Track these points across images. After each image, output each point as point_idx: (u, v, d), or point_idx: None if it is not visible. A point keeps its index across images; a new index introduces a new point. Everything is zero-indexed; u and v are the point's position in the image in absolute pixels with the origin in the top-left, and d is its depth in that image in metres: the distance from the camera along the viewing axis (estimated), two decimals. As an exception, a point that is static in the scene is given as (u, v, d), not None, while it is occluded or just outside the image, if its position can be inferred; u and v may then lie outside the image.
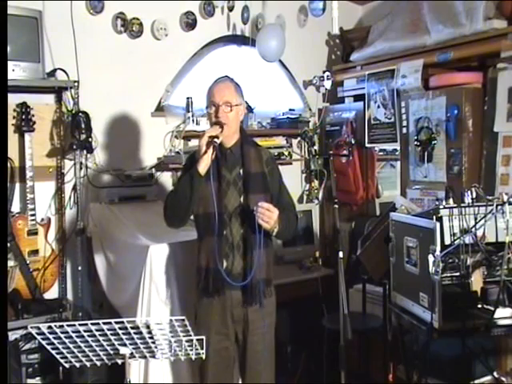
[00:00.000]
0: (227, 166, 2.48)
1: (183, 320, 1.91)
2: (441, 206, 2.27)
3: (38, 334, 1.88)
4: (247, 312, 2.46)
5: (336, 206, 2.75)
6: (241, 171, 2.49)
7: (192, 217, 2.54)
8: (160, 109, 3.68)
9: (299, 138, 4.29)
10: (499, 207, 2.25)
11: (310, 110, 4.40)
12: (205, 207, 2.42)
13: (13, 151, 3.08)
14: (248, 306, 2.44)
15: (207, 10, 3.84)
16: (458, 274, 2.24)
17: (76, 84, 3.20)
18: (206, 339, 2.17)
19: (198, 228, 2.52)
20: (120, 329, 1.89)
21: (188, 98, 3.63)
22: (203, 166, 2.36)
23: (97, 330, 1.88)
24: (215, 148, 2.34)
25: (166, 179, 3.67)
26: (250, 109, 3.92)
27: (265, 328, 2.47)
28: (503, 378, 2.89)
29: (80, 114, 3.18)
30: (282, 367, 3.53)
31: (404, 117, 3.56)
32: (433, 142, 3.33)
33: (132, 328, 1.90)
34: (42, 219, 3.16)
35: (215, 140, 2.34)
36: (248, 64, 4.07)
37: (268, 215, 2.33)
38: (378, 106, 3.82)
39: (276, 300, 2.61)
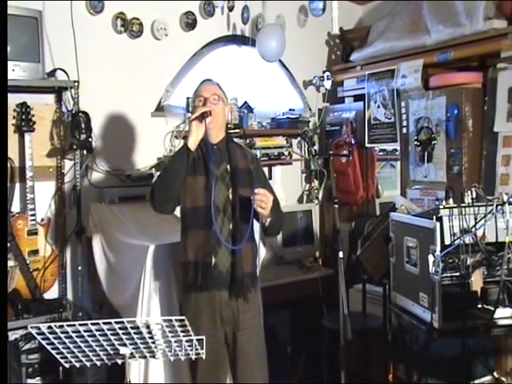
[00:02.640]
0: (214, 161, 2.48)
1: (183, 320, 1.91)
2: (441, 206, 2.27)
3: (37, 334, 1.88)
4: (236, 312, 2.46)
5: (336, 205, 2.75)
6: (228, 166, 2.51)
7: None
8: (160, 109, 3.68)
9: (299, 138, 4.30)
10: (499, 207, 2.25)
11: (310, 110, 4.39)
12: (192, 202, 2.43)
13: (13, 151, 3.08)
14: (237, 299, 2.44)
15: (207, 10, 3.84)
16: (458, 274, 2.24)
17: (76, 84, 3.20)
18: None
19: (184, 223, 2.51)
20: (120, 329, 1.89)
21: (188, 98, 3.61)
22: (192, 139, 2.40)
23: (97, 330, 1.88)
24: (205, 120, 2.38)
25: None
26: (249, 109, 3.93)
27: (254, 327, 2.48)
28: (503, 378, 2.89)
29: (80, 113, 3.18)
30: (282, 367, 3.54)
31: (404, 117, 3.56)
32: (433, 142, 3.33)
33: (132, 328, 1.90)
34: (42, 219, 3.15)
35: (205, 114, 2.39)
36: (248, 64, 4.07)
37: (265, 200, 2.35)
38: (378, 106, 3.82)
39: (275, 301, 2.64)
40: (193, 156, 2.44)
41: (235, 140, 2.76)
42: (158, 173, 2.62)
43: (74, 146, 3.17)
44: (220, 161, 2.51)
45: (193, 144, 2.41)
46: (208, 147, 2.49)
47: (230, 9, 3.96)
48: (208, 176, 2.45)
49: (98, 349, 1.96)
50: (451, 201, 2.30)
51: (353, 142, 3.99)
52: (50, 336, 1.88)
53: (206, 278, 2.42)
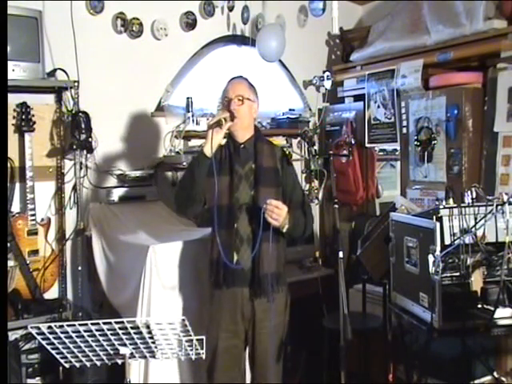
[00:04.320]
0: (240, 160, 2.51)
1: (183, 320, 1.91)
2: (441, 206, 2.27)
3: (37, 334, 1.88)
4: (257, 310, 2.47)
5: (336, 205, 2.75)
6: (253, 166, 2.52)
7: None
8: (160, 109, 3.68)
9: (299, 138, 4.29)
10: (499, 207, 2.25)
11: (310, 110, 4.40)
12: (217, 201, 2.44)
13: (13, 151, 3.08)
14: (256, 298, 2.45)
15: (207, 10, 3.85)
16: (458, 274, 2.24)
17: (76, 84, 3.20)
18: (216, 336, 2.29)
19: (211, 221, 2.52)
20: (120, 329, 1.89)
21: (188, 98, 3.63)
22: (208, 146, 2.40)
23: (97, 330, 1.88)
24: (221, 127, 2.38)
25: (166, 179, 3.67)
26: (250, 109, 3.92)
27: (274, 327, 2.48)
28: (503, 378, 2.89)
29: (80, 113, 3.18)
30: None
31: (404, 117, 3.56)
32: (433, 142, 3.33)
33: (132, 328, 1.90)
34: (42, 219, 3.15)
35: (221, 122, 2.39)
36: (248, 64, 4.07)
37: (277, 212, 2.35)
38: (378, 106, 3.82)
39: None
40: (220, 155, 2.46)
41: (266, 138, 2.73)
42: (179, 178, 2.64)
43: (74, 146, 3.17)
44: (246, 160, 2.52)
45: (209, 150, 2.40)
46: (235, 147, 2.51)
47: (230, 9, 3.96)
48: (233, 175, 2.47)
49: (97, 349, 1.96)
50: (451, 201, 2.30)
51: (353, 141, 3.99)
52: (50, 336, 1.89)
53: (227, 275, 2.44)
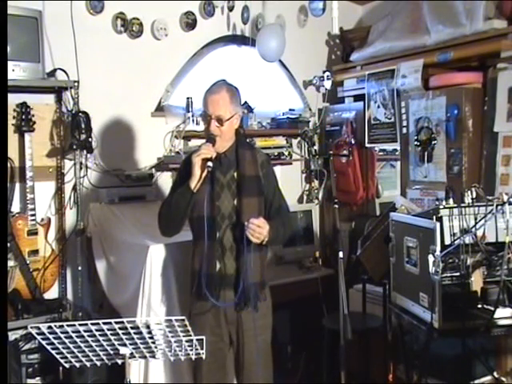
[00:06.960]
0: (221, 169, 2.48)
1: (183, 320, 1.91)
2: (441, 206, 2.27)
3: (37, 334, 1.88)
4: (241, 313, 2.46)
5: (336, 206, 2.75)
6: (235, 174, 2.49)
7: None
8: (160, 109, 3.68)
9: (299, 138, 4.30)
10: (499, 207, 2.25)
11: (310, 110, 4.39)
12: (199, 210, 2.43)
13: (13, 151, 3.08)
14: (241, 310, 2.45)
15: (207, 9, 3.85)
16: (458, 274, 2.24)
17: (76, 84, 3.20)
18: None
19: (192, 231, 2.52)
20: (120, 329, 1.89)
21: (188, 98, 3.63)
22: (195, 183, 2.38)
23: (97, 330, 1.88)
24: (208, 170, 2.36)
25: (166, 179, 3.67)
26: (249, 109, 3.93)
27: (259, 329, 2.47)
28: (503, 378, 2.89)
29: (80, 114, 3.18)
30: (282, 367, 3.54)
31: (404, 117, 3.56)
32: (433, 142, 3.33)
33: (132, 328, 1.90)
34: (42, 219, 3.15)
35: (208, 164, 2.35)
36: (248, 64, 4.07)
37: (259, 231, 2.35)
38: (378, 106, 3.82)
39: (275, 301, 2.62)
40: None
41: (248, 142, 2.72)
42: (165, 199, 2.63)
43: (74, 146, 3.17)
44: (227, 168, 2.49)
45: (196, 186, 2.38)
46: (216, 155, 2.45)
47: (230, 9, 3.96)
48: (214, 184, 2.44)
49: (97, 349, 1.96)
50: (451, 201, 2.30)
51: (353, 141, 3.99)
52: (50, 336, 1.88)
53: (211, 285, 2.41)
